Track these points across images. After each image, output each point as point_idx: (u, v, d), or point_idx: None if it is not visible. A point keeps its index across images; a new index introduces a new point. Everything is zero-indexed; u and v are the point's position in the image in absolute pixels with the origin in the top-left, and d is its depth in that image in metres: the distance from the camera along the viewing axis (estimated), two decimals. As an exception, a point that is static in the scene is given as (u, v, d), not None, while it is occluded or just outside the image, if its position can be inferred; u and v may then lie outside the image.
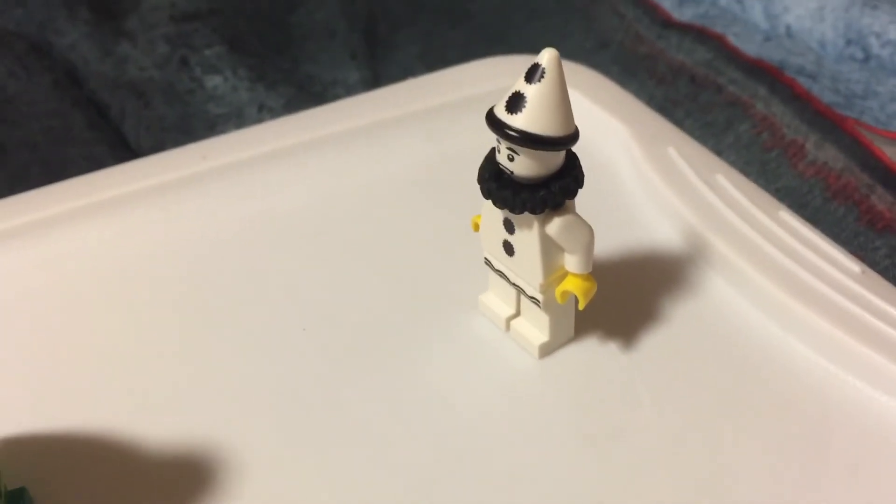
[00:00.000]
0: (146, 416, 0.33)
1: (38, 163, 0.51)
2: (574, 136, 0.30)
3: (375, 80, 0.57)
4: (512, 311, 0.36)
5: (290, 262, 0.40)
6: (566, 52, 0.31)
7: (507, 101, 0.30)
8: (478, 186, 0.32)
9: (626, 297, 0.37)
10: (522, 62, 0.51)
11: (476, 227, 0.35)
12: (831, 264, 0.36)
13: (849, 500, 0.30)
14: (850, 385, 0.34)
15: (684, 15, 0.60)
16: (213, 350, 0.36)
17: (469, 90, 0.49)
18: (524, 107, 0.29)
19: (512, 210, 0.31)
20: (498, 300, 0.36)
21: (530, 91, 0.29)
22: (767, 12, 0.58)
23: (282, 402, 0.34)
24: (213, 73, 0.55)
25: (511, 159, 0.30)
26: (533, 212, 0.31)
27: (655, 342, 0.36)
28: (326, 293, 0.38)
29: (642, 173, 0.42)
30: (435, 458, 0.32)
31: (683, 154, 0.42)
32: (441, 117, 0.48)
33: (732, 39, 0.56)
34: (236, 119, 0.53)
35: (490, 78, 0.50)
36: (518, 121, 0.29)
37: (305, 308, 0.38)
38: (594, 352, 0.35)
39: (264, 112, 0.53)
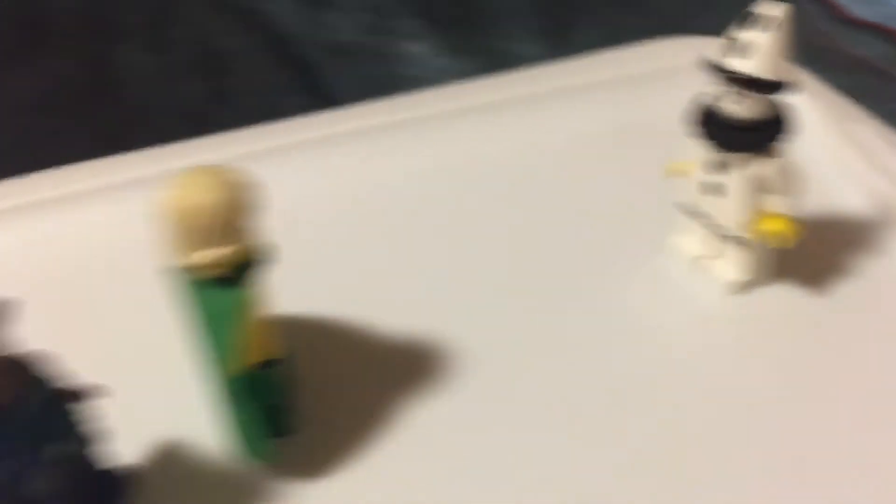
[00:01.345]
0: (394, 311, 0.38)
1: (256, 108, 0.56)
2: (794, 82, 0.33)
3: (554, 55, 0.61)
4: (704, 252, 0.39)
5: (495, 203, 0.44)
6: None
7: (736, 47, 0.33)
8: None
9: (815, 254, 0.39)
10: (704, 44, 0.55)
11: (671, 173, 0.38)
12: None
13: None
14: None
15: (862, 13, 0.61)
16: (454, 264, 0.40)
17: (654, 65, 0.52)
18: (755, 52, 0.32)
19: (729, 149, 0.34)
20: (690, 242, 0.39)
21: (761, 38, 0.32)
22: (949, 15, 0.59)
23: (501, 313, 0.38)
24: (412, 40, 0.60)
25: (735, 102, 0.33)
26: (749, 151, 0.34)
27: (848, 294, 0.38)
28: (529, 232, 0.42)
29: (830, 143, 0.44)
30: (623, 386, 0.35)
31: (871, 128, 0.44)
32: (626, 88, 0.51)
33: (913, 38, 0.57)
34: (433, 81, 0.57)
35: (672, 56, 0.53)
36: (748, 65, 0.33)
37: (513, 243, 0.41)
38: (784, 296, 0.38)
39: (460, 76, 0.57)
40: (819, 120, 0.45)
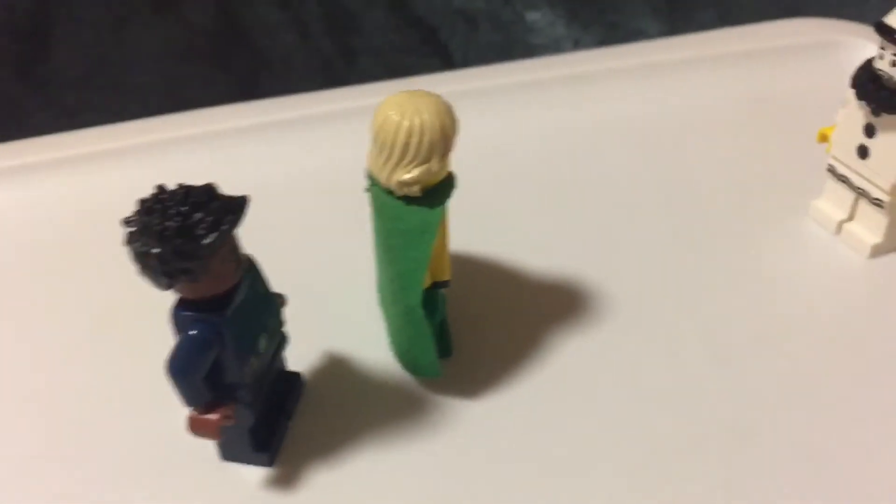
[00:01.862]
0: (542, 253, 0.40)
1: (382, 66, 0.58)
2: (958, 49, 0.34)
3: (674, 33, 0.62)
4: (845, 215, 0.40)
5: (638, 162, 0.45)
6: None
7: (901, 12, 0.34)
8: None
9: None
10: (826, 25, 0.56)
11: (822, 138, 0.40)
12: None
13: None
14: None
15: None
16: (593, 214, 0.42)
17: (781, 42, 0.53)
18: (919, 16, 0.34)
19: (886, 110, 0.35)
20: (832, 205, 0.40)
21: (928, 2, 0.34)
22: None
23: (646, 260, 0.40)
24: (532, 10, 0.61)
25: (894, 65, 0.34)
26: (904, 114, 0.35)
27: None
28: (671, 190, 0.43)
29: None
30: (760, 341, 0.36)
31: None
32: (755, 62, 0.52)
33: None
34: (554, 50, 0.59)
35: (796, 34, 0.54)
36: (910, 28, 0.34)
37: (656, 200, 0.43)
38: (922, 260, 0.39)
39: (579, 46, 0.59)
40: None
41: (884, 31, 0.35)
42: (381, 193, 0.31)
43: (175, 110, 0.51)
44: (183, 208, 0.25)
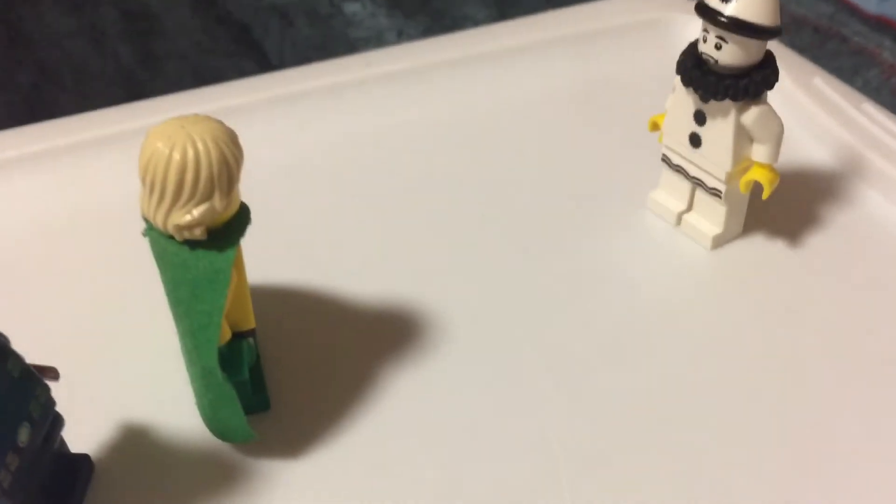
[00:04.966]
0: (362, 277, 0.36)
1: (190, 72, 0.53)
2: (780, 28, 0.32)
3: (502, 18, 0.59)
4: (684, 206, 0.38)
5: (465, 163, 0.42)
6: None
7: (721, -9, 0.32)
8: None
9: (787, 205, 0.39)
10: (656, 2, 0.54)
11: (654, 127, 0.37)
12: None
13: None
14: None
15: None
16: (426, 226, 0.39)
17: (611, 22, 0.51)
18: (739, -5, 0.32)
19: (714, 96, 0.33)
20: (669, 196, 0.38)
21: (746, -19, 0.32)
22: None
23: (480, 273, 0.37)
24: (351, 1, 0.57)
25: (718, 48, 0.33)
26: (734, 98, 0.33)
27: (819, 243, 0.38)
28: (504, 191, 0.41)
29: (793, 99, 0.44)
30: (605, 340, 0.34)
31: (829, 84, 0.45)
32: (586, 44, 0.50)
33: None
34: (376, 43, 0.55)
35: (627, 13, 0.52)
36: (730, 8, 0.32)
37: (488, 202, 0.40)
38: (761, 247, 0.38)
39: (403, 37, 0.55)
40: (781, 76, 0.45)
41: (704, 11, 0.32)
42: (161, 238, 0.26)
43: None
44: None
